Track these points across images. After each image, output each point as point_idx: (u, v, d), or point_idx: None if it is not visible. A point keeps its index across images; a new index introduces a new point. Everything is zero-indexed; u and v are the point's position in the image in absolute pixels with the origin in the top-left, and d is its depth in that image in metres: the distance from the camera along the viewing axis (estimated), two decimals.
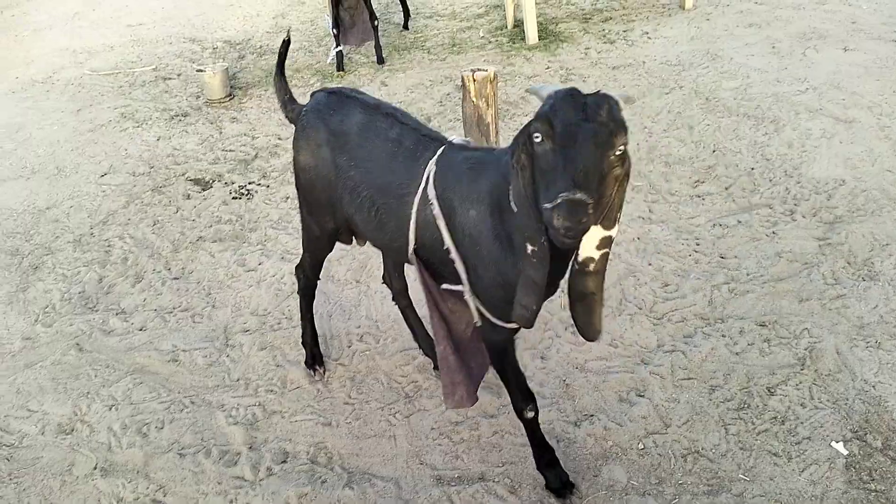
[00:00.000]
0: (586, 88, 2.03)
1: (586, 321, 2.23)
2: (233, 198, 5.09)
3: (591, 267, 2.12)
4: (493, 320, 2.44)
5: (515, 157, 2.04)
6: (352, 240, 3.00)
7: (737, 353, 3.17)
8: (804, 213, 4.01)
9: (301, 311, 3.43)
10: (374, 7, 6.98)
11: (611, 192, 1.97)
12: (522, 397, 2.60)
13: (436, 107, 6.02)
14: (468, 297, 2.44)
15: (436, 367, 3.31)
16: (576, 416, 2.99)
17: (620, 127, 1.89)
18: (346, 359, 3.50)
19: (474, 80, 4.61)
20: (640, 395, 3.03)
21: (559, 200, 1.77)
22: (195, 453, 3.10)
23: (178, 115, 6.54)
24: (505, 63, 6.66)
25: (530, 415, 2.61)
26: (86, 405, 3.45)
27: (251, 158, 5.61)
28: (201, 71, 6.65)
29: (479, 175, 2.33)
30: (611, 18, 7.29)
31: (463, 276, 2.41)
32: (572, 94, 1.92)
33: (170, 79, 7.38)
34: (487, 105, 4.63)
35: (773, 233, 3.88)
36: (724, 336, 3.25)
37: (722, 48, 6.35)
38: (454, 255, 2.39)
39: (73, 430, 3.32)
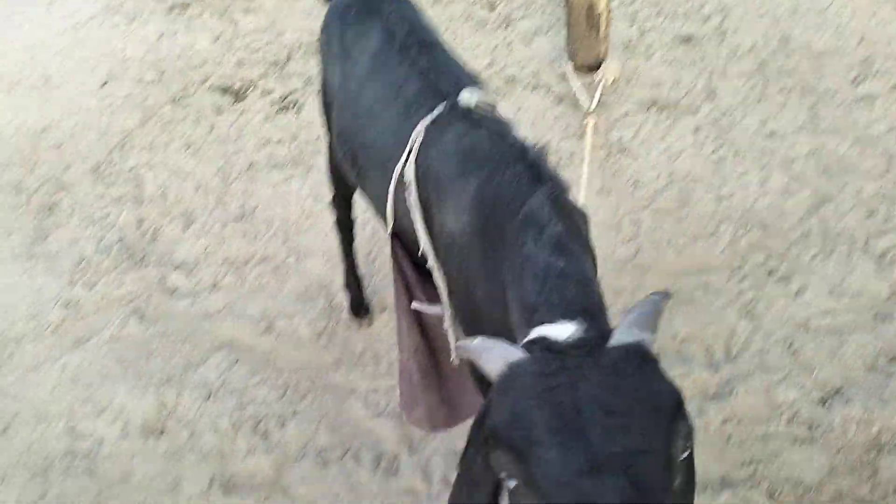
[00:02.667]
0: None
1: None
2: (277, 111, 4.20)
3: None
4: None
5: (466, 461, 1.20)
6: None
7: None
8: None
9: (341, 248, 2.87)
10: None
11: None
12: None
13: None
14: (448, 325, 1.80)
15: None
16: (820, 394, 2.42)
17: (675, 416, 1.02)
18: None
19: None
20: (895, 361, 2.46)
21: None
22: (340, 458, 2.46)
23: (175, 6, 5.42)
24: None
25: None
26: (173, 395, 2.73)
27: (284, 60, 4.65)
28: None
29: (467, 168, 1.60)
30: None
31: (443, 293, 1.75)
32: (549, 373, 1.03)
33: None
34: None
35: None
36: None
37: None
38: (432, 262, 1.74)
39: (164, 431, 2.63)
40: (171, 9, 5.42)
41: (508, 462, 1.01)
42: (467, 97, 1.71)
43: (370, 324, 2.87)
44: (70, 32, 5.25)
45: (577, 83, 3.84)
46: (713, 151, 3.38)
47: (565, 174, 3.27)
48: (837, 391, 2.42)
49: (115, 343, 2.96)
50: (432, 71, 1.85)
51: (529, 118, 3.78)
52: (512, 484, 1.02)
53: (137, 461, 2.54)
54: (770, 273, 2.80)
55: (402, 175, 1.75)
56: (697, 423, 2.34)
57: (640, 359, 1.04)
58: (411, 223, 1.76)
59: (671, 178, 3.27)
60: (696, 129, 3.51)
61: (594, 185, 3.30)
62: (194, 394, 2.72)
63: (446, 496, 2.30)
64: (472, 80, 1.87)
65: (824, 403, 2.39)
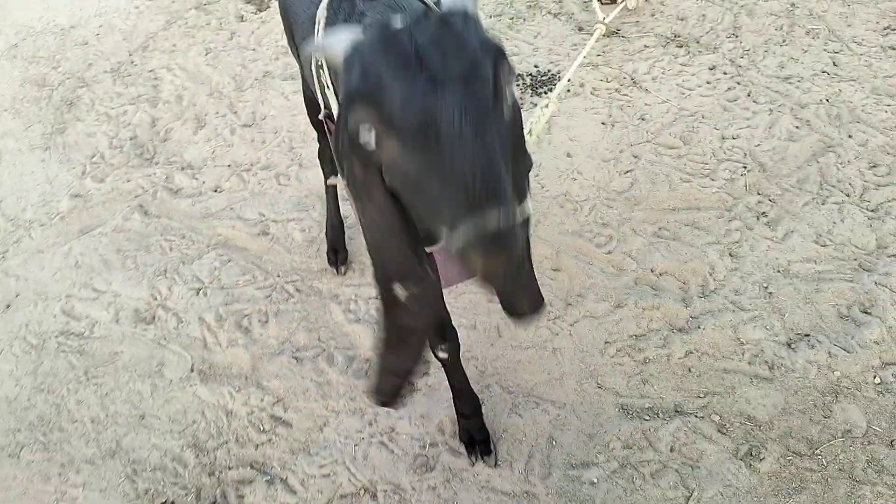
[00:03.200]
0: None
1: (519, 295, 1.55)
2: None
3: None
4: None
5: (347, 174, 1.27)
6: None
7: None
8: None
9: (326, 187, 2.78)
10: None
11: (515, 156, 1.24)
12: (434, 334, 2.01)
13: None
14: None
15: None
16: (787, 336, 2.43)
17: (497, 57, 1.14)
18: None
19: None
20: (867, 313, 2.45)
21: (465, 238, 1.06)
22: (314, 357, 2.56)
23: None
24: None
25: (442, 355, 2.05)
26: (166, 287, 2.86)
27: None
28: None
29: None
30: None
31: None
32: (388, 34, 1.13)
33: None
34: None
35: None
36: None
37: None
38: None
39: (154, 319, 2.76)
40: None
41: (365, 113, 1.12)
42: None
43: (345, 272, 2.84)
44: None
45: (598, 7, 3.74)
46: (727, 90, 3.30)
47: (575, 103, 3.28)
48: (805, 336, 2.42)
49: (117, 234, 3.09)
50: None
51: (547, 44, 3.73)
52: (371, 136, 1.13)
53: (126, 345, 2.69)
54: (760, 216, 2.77)
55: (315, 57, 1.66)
56: (660, 353, 2.39)
57: (466, 16, 1.15)
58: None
59: (679, 115, 3.21)
60: (713, 67, 3.42)
61: (601, 115, 3.27)
62: (186, 287, 2.84)
63: (416, 404, 2.40)
64: None
65: (790, 346, 2.40)
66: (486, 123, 1.09)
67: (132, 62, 4.08)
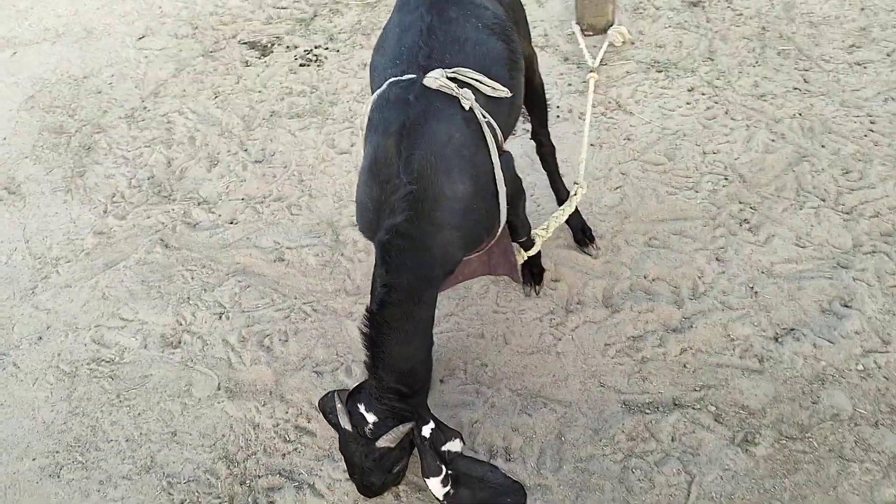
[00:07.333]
0: None
1: None
2: (300, 65, 4.44)
3: None
4: None
5: None
6: None
7: None
8: None
9: None
10: None
11: None
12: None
13: None
14: None
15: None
16: (774, 331, 2.61)
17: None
18: None
19: None
20: (847, 306, 2.64)
21: None
22: (333, 371, 2.73)
23: None
24: None
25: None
26: (189, 313, 3.03)
27: (310, 18, 4.89)
28: None
29: (369, 166, 2.04)
30: None
31: None
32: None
33: None
34: None
35: None
36: None
37: None
38: None
39: (181, 343, 2.93)
40: None
41: None
42: (431, 80, 1.92)
43: None
44: None
45: (583, 43, 4.00)
46: (706, 109, 3.53)
47: (564, 127, 3.49)
48: (790, 330, 2.60)
49: (141, 266, 3.27)
50: (432, 33, 1.99)
51: None
52: None
53: (154, 368, 2.85)
54: (742, 223, 2.97)
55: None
56: (657, 351, 2.57)
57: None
58: None
59: (662, 134, 3.44)
60: (692, 89, 3.65)
61: (590, 137, 3.48)
62: (209, 312, 3.02)
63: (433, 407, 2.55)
64: (472, 56, 2.01)
65: (777, 340, 2.58)
66: None
67: (145, 108, 4.30)
